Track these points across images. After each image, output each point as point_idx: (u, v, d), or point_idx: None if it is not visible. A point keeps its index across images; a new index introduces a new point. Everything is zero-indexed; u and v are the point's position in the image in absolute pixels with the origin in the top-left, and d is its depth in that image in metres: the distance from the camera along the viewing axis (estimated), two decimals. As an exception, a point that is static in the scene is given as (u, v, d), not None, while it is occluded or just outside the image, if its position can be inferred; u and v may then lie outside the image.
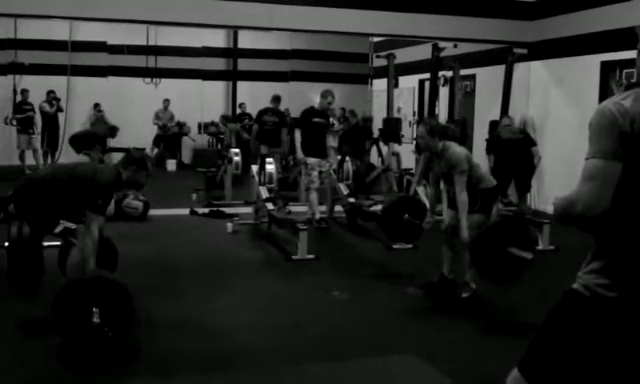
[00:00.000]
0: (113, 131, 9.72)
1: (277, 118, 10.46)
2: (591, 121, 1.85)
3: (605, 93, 8.80)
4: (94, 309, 3.91)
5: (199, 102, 17.08)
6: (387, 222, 6.20)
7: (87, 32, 15.54)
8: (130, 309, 4.09)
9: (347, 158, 9.29)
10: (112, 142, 15.70)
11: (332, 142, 15.26)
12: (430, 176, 5.61)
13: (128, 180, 4.57)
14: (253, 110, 16.87)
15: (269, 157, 8.65)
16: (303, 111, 8.88)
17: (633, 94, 1.85)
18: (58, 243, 5.46)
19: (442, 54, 10.35)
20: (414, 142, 11.42)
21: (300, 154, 8.32)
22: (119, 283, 4.13)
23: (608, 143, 1.80)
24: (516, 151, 8.80)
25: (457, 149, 5.14)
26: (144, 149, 5.89)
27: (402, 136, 11.36)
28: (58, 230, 4.65)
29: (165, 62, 16.84)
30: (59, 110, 14.06)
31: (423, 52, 11.63)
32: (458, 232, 5.11)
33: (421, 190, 8.62)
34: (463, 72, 10.99)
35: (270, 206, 7.64)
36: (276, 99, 10.80)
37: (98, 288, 4.03)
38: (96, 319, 3.89)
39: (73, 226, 4.60)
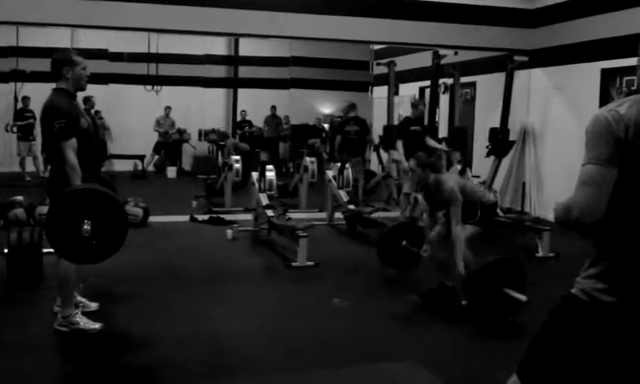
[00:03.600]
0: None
1: (359, 127, 10.39)
2: (587, 128, 1.87)
3: (605, 100, 8.82)
4: (86, 220, 3.88)
5: (200, 110, 17.12)
6: (384, 249, 6.20)
7: (88, 39, 15.57)
8: (122, 221, 4.06)
9: (347, 165, 9.30)
10: (113, 148, 15.81)
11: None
12: (427, 207, 5.66)
13: (73, 83, 4.41)
14: (253, 116, 16.99)
15: (269, 164, 8.67)
16: (401, 121, 9.43)
17: (629, 100, 1.87)
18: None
19: (443, 62, 10.37)
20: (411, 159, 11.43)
21: (405, 162, 8.52)
22: (111, 195, 4.08)
23: (603, 149, 1.81)
24: None
25: (448, 183, 5.20)
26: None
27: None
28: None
29: (166, 69, 16.88)
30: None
31: (423, 59, 11.66)
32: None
33: (421, 197, 8.61)
34: (463, 79, 11.01)
35: (269, 212, 7.64)
36: (352, 107, 10.70)
37: (90, 199, 3.99)
38: (86, 226, 3.86)
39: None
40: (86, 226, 3.84)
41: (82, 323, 4.46)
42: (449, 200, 5.13)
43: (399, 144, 9.04)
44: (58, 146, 4.20)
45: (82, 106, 4.86)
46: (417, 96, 12.73)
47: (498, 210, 6.98)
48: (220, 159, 12.59)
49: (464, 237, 5.12)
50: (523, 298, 4.74)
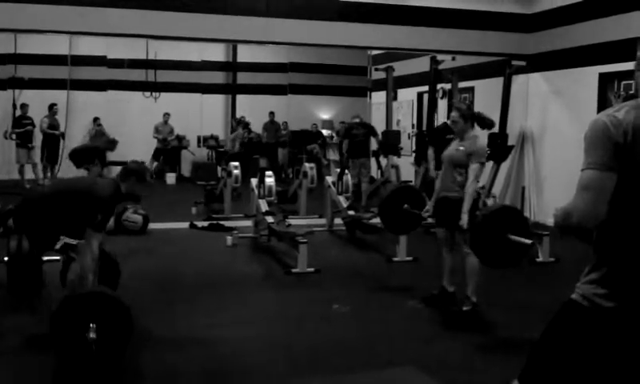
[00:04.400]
0: (112, 145, 9.73)
1: (365, 130, 11.05)
2: (586, 133, 1.88)
3: (603, 104, 8.83)
4: (91, 324, 3.88)
5: (199, 116, 17.13)
6: (386, 213, 6.16)
7: (87, 46, 15.60)
8: (128, 326, 4.04)
9: (346, 171, 9.31)
10: (112, 156, 15.79)
11: (333, 155, 15.35)
12: (444, 162, 5.54)
13: (127, 192, 4.57)
14: (252, 122, 16.97)
15: (269, 170, 8.67)
16: (437, 127, 9.28)
17: (627, 105, 1.88)
18: (58, 258, 5.46)
19: (441, 67, 10.39)
20: (414, 154, 11.46)
21: (433, 170, 8.53)
22: (118, 299, 4.10)
23: (602, 154, 1.82)
24: None
25: (482, 143, 5.25)
26: (143, 162, 5.84)
27: (401, 149, 11.37)
28: (58, 245, 4.63)
29: (164, 75, 16.90)
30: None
31: (422, 65, 11.68)
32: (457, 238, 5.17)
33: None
34: (462, 84, 11.02)
35: (269, 218, 7.64)
36: (357, 116, 11.49)
37: (96, 303, 4.00)
38: (92, 335, 3.86)
39: (73, 241, 4.57)
40: (91, 334, 3.85)
41: None
42: (478, 154, 5.09)
43: (430, 151, 8.87)
44: (86, 232, 4.30)
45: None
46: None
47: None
48: (219, 169, 12.59)
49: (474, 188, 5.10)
50: (528, 241, 4.72)
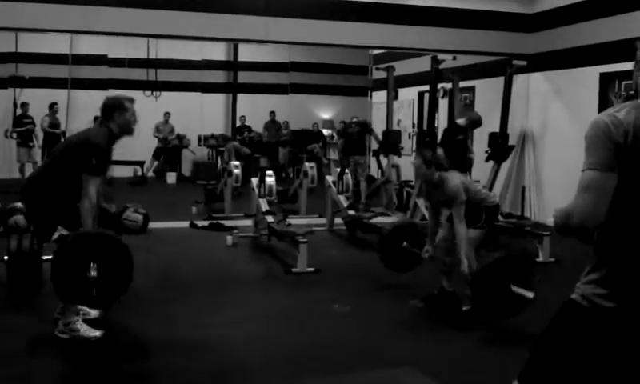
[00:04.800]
0: None
1: (360, 128, 11.38)
2: (586, 133, 1.88)
3: (604, 104, 8.83)
4: (92, 263, 3.87)
5: (199, 115, 17.13)
6: (385, 251, 6.18)
7: (88, 45, 15.62)
8: (128, 266, 4.08)
9: (347, 170, 9.30)
10: (113, 155, 15.78)
11: (333, 154, 15.36)
12: (429, 205, 5.64)
13: (120, 127, 4.53)
14: (253, 122, 16.99)
15: (269, 169, 8.67)
16: (446, 128, 9.27)
17: (628, 105, 1.88)
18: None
19: (442, 66, 10.38)
20: (414, 153, 11.46)
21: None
22: (118, 240, 4.09)
23: (603, 155, 1.82)
24: None
25: (453, 180, 5.16)
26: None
27: (402, 148, 11.38)
28: (55, 236, 4.64)
29: (165, 75, 16.89)
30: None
31: (422, 64, 11.68)
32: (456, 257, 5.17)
33: (421, 202, 8.61)
34: (462, 84, 11.02)
35: (269, 218, 7.64)
36: (357, 117, 11.96)
37: (96, 244, 3.99)
38: (93, 273, 3.85)
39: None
40: (92, 272, 3.85)
41: (82, 330, 4.45)
42: (453, 198, 5.08)
43: (440, 152, 8.84)
44: (80, 175, 4.26)
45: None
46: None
47: (499, 215, 6.94)
48: (220, 163, 12.59)
49: (469, 239, 5.09)
50: (530, 295, 4.70)
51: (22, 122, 13.54)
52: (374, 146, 11.84)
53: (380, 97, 13.59)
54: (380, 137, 11.88)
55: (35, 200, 4.48)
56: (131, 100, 4.67)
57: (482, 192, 5.47)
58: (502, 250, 5.32)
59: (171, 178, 15.62)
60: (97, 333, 4.48)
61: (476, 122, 8.57)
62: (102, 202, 4.61)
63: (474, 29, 10.06)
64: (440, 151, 8.65)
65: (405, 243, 6.00)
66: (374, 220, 8.67)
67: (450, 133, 8.74)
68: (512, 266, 4.85)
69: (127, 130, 4.63)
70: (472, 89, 12.02)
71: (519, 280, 4.77)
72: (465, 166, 8.60)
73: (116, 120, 4.53)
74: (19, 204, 8.30)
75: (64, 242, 4.02)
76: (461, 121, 8.69)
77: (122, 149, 10.45)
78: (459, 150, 8.57)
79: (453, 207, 5.11)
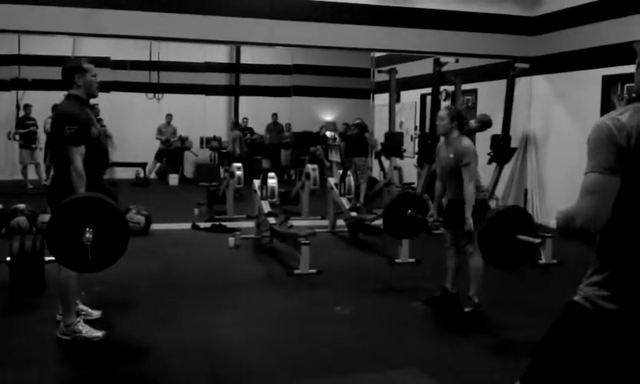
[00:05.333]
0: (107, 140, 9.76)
1: (359, 130, 11.43)
2: (589, 136, 1.88)
3: (606, 107, 8.82)
4: (87, 229, 3.86)
5: (202, 117, 17.15)
6: (390, 219, 6.17)
7: (90, 48, 15.61)
8: (123, 231, 4.04)
9: (349, 173, 9.31)
10: (114, 156, 15.83)
11: (335, 156, 15.38)
12: (437, 169, 5.59)
13: (85, 90, 4.42)
14: (255, 124, 17.00)
15: (271, 171, 8.68)
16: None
17: (631, 108, 1.88)
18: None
19: (444, 69, 10.38)
20: (416, 156, 11.46)
21: None
22: (112, 204, 4.07)
23: (605, 158, 1.82)
24: None
25: (467, 141, 5.21)
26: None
27: (404, 150, 11.37)
28: None
29: (168, 77, 16.92)
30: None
31: (425, 67, 11.68)
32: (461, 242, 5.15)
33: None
34: (465, 87, 11.01)
35: (271, 220, 7.64)
36: (359, 118, 11.95)
37: (91, 208, 3.97)
38: (88, 235, 3.85)
39: None
40: (87, 235, 3.84)
41: (84, 331, 4.46)
42: (462, 156, 5.08)
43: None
44: (66, 152, 4.22)
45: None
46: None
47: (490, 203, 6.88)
48: (222, 169, 12.62)
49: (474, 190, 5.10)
50: (537, 240, 4.72)
51: (24, 124, 13.57)
52: (379, 147, 11.84)
53: (382, 99, 13.58)
54: (376, 141, 11.91)
55: (55, 195, 4.41)
56: (87, 62, 4.52)
57: (480, 182, 5.43)
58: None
59: (173, 179, 15.63)
60: (99, 333, 4.49)
61: (487, 124, 8.66)
62: (102, 181, 4.57)
63: (477, 31, 10.05)
64: None
65: (409, 211, 6.00)
66: (376, 222, 8.67)
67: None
68: (515, 216, 4.85)
69: (92, 90, 4.50)
70: (474, 91, 12.01)
71: (523, 229, 4.76)
72: None
73: (77, 83, 4.42)
74: (22, 205, 8.34)
75: (59, 207, 3.98)
76: (470, 123, 8.72)
77: (125, 151, 10.38)
78: None
79: (462, 166, 5.09)
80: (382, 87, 13.82)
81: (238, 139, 12.95)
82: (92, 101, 4.71)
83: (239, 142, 13.18)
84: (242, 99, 17.73)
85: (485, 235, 4.71)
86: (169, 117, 16.13)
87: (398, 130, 12.12)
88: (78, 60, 4.61)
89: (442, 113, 5.35)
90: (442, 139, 5.38)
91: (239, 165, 10.39)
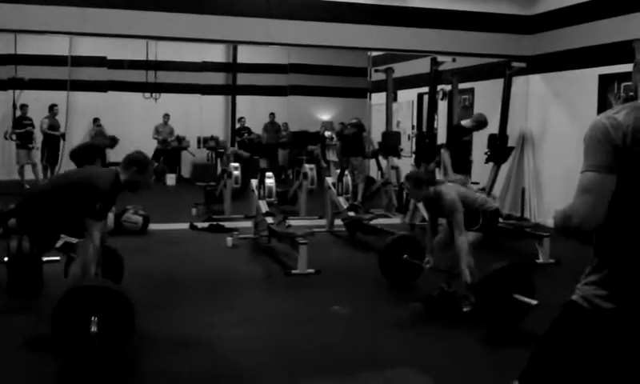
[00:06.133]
0: (113, 142, 9.74)
1: (356, 129, 11.41)
2: (585, 135, 1.89)
3: (603, 106, 8.84)
4: (93, 317, 3.87)
5: (199, 117, 17.14)
6: (386, 263, 6.19)
7: (87, 47, 15.62)
8: (130, 319, 4.06)
9: (346, 172, 9.31)
10: (112, 156, 15.81)
11: (332, 156, 15.40)
12: (427, 218, 5.70)
13: (126, 182, 4.45)
14: (252, 123, 16.99)
15: (269, 171, 8.68)
16: (451, 130, 9.28)
17: (627, 107, 1.88)
18: (58, 258, 5.48)
19: (441, 68, 10.40)
20: (414, 155, 11.47)
21: (452, 174, 8.55)
22: (119, 292, 4.10)
23: (602, 157, 1.83)
24: None
25: (449, 194, 5.23)
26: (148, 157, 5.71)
27: (401, 150, 11.38)
28: (59, 244, 4.62)
29: (164, 76, 16.91)
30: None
31: (422, 66, 11.69)
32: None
33: (421, 205, 8.59)
34: (462, 86, 11.02)
35: (269, 219, 7.65)
36: (356, 118, 11.90)
37: (98, 296, 3.99)
38: (94, 328, 3.85)
39: (74, 240, 4.57)
40: (93, 328, 3.85)
41: None
42: (450, 211, 5.17)
43: (446, 155, 8.85)
44: (86, 222, 4.27)
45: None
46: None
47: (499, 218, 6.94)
48: (219, 167, 12.61)
49: (467, 242, 5.14)
50: (534, 302, 4.78)
51: (21, 124, 13.54)
52: (376, 146, 11.85)
53: (379, 98, 13.60)
54: (373, 141, 11.93)
55: (31, 225, 4.48)
56: (152, 163, 4.63)
57: (479, 199, 5.53)
58: (504, 259, 5.35)
59: (171, 179, 15.62)
60: None
61: (482, 123, 8.63)
62: (105, 241, 4.63)
63: (474, 31, 10.07)
64: (446, 154, 8.70)
65: (405, 255, 6.03)
66: (374, 221, 8.68)
67: (456, 134, 8.78)
68: (513, 274, 4.91)
69: (135, 188, 4.53)
70: (471, 90, 12.03)
71: (521, 288, 4.84)
72: (467, 167, 8.64)
73: (130, 173, 4.43)
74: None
75: (64, 296, 3.97)
76: (466, 122, 8.73)
77: (122, 150, 10.48)
78: (464, 152, 8.63)
79: (452, 219, 5.19)
80: (378, 86, 13.84)
81: (232, 155, 12.90)
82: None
83: (233, 156, 13.13)
84: (239, 98, 17.72)
85: (481, 293, 4.78)
86: (166, 116, 16.12)
87: (395, 129, 12.13)
88: (147, 159, 4.65)
89: (408, 186, 5.46)
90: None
91: (237, 165, 10.38)
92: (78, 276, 4.40)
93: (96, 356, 3.97)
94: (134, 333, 4.11)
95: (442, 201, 5.23)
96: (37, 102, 14.00)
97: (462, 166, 8.62)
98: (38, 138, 13.69)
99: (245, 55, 17.51)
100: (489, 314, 4.87)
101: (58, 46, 15.20)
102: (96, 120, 15.24)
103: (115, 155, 15.69)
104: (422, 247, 5.98)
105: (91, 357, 3.97)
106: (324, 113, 18.52)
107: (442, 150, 9.00)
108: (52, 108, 13.86)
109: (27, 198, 4.92)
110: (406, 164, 11.92)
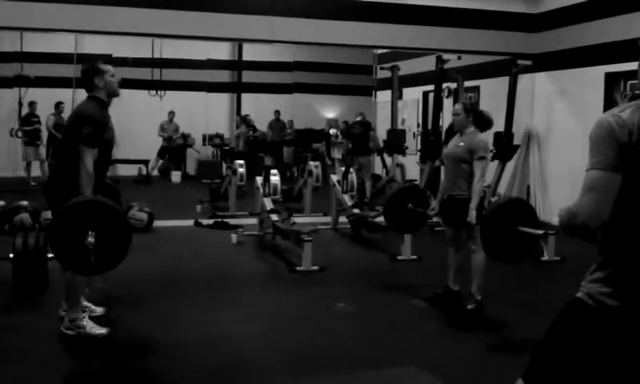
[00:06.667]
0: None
1: (362, 128, 11.38)
2: (591, 133, 1.88)
3: (609, 104, 8.80)
4: (90, 231, 3.87)
5: (204, 114, 17.16)
6: (391, 213, 6.16)
7: (92, 45, 15.62)
8: (125, 234, 4.05)
9: (351, 170, 9.31)
10: (117, 153, 15.84)
11: (337, 153, 15.40)
12: (445, 161, 5.58)
13: (106, 91, 4.45)
14: (257, 121, 16.98)
15: (274, 168, 8.68)
16: (450, 126, 9.24)
17: (633, 105, 1.88)
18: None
19: (446, 66, 10.38)
20: (419, 152, 11.46)
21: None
22: (114, 207, 4.08)
23: (607, 155, 1.82)
24: None
25: (482, 136, 5.22)
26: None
27: (407, 148, 11.38)
28: None
29: (170, 74, 16.93)
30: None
31: (427, 64, 11.67)
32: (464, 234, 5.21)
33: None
34: (467, 84, 11.01)
35: (274, 217, 7.65)
36: (360, 114, 11.92)
37: (94, 211, 3.98)
38: (90, 239, 3.86)
39: None
40: (90, 239, 3.85)
41: (88, 327, 4.47)
42: (476, 150, 5.07)
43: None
44: (78, 151, 4.21)
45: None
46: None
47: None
48: (224, 164, 12.65)
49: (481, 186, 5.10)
50: (539, 231, 4.72)
51: (29, 122, 13.57)
52: (381, 144, 11.84)
53: (384, 96, 13.58)
54: (378, 139, 11.89)
55: (56, 191, 4.42)
56: (105, 62, 4.55)
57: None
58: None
59: (176, 176, 15.64)
60: (103, 330, 4.50)
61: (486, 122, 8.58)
62: (105, 179, 4.59)
63: (479, 29, 10.04)
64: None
65: (410, 205, 6.00)
66: (379, 219, 8.67)
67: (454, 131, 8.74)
68: (516, 209, 4.84)
69: (112, 90, 4.54)
70: (477, 88, 12.00)
71: (525, 221, 4.75)
72: None
73: (98, 85, 4.45)
74: (24, 202, 8.35)
75: (61, 210, 3.98)
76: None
77: (127, 148, 10.42)
78: None
79: (476, 160, 5.08)
80: (384, 84, 13.83)
81: (242, 136, 12.92)
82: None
83: (243, 139, 13.13)
84: (244, 96, 17.74)
85: (486, 227, 4.71)
86: (171, 114, 16.14)
87: (400, 127, 12.12)
88: (95, 62, 4.59)
89: (458, 107, 5.34)
90: (457, 135, 5.37)
91: (242, 162, 10.40)
92: (70, 279, 4.41)
93: (94, 268, 3.97)
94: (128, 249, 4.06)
95: (473, 137, 5.13)
96: (43, 100, 14.03)
97: None
98: (44, 134, 13.73)
99: (250, 53, 17.52)
100: (495, 249, 4.75)
101: (63, 44, 15.23)
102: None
103: (120, 153, 15.76)
104: (427, 197, 5.95)
105: (89, 269, 3.97)
106: (329, 110, 18.52)
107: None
108: (58, 105, 13.89)
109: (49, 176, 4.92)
110: (411, 162, 11.93)
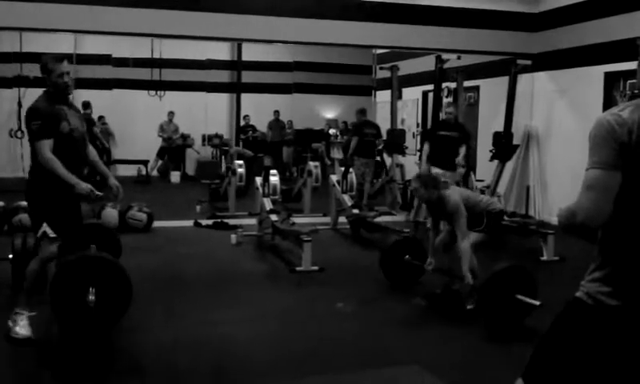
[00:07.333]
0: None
1: (375, 130, 10.97)
2: (590, 132, 1.88)
3: (609, 104, 8.81)
4: (91, 288, 3.87)
5: (203, 115, 17.16)
6: (387, 264, 6.17)
7: (92, 45, 15.64)
8: (127, 290, 4.07)
9: (351, 170, 9.30)
10: (116, 154, 15.85)
11: (336, 153, 15.39)
12: (430, 220, 5.68)
13: (55, 84, 4.35)
14: (257, 121, 17.02)
15: (273, 168, 8.68)
16: (433, 124, 9.30)
17: (632, 104, 1.88)
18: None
19: (446, 66, 10.37)
20: (418, 153, 11.45)
21: (425, 166, 8.52)
22: (117, 264, 4.09)
23: (607, 154, 1.82)
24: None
25: (452, 197, 5.23)
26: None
27: (406, 148, 11.37)
28: (39, 233, 4.61)
29: (169, 74, 16.93)
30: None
31: (427, 63, 11.67)
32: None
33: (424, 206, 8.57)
34: (467, 83, 11.01)
35: (273, 217, 7.65)
36: (364, 112, 11.33)
37: (96, 267, 3.99)
38: (91, 297, 3.85)
39: (51, 233, 4.57)
40: (91, 297, 3.85)
41: (18, 325, 4.35)
42: (453, 214, 5.17)
43: (426, 147, 8.74)
44: (34, 147, 4.19)
45: (81, 111, 4.87)
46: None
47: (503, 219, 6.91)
48: (223, 164, 12.63)
49: (469, 245, 5.14)
50: (536, 302, 4.77)
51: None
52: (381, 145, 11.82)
53: (384, 96, 13.57)
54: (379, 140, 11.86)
55: (32, 190, 4.41)
56: (59, 58, 4.44)
57: (483, 201, 5.54)
58: (508, 257, 5.35)
59: (175, 177, 15.65)
60: (27, 334, 4.35)
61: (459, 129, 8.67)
62: (90, 159, 4.56)
63: (479, 28, 10.04)
64: (426, 146, 8.66)
65: (407, 256, 6.02)
66: (378, 219, 8.68)
67: (435, 128, 8.96)
68: (515, 275, 4.90)
69: (58, 90, 4.40)
70: (476, 88, 12.00)
71: (523, 288, 4.83)
72: (450, 163, 8.42)
73: (50, 79, 4.39)
74: (23, 203, 8.34)
75: (63, 265, 3.98)
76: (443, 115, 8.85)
77: (127, 148, 10.41)
78: (442, 147, 8.50)
79: (455, 222, 5.17)
80: (383, 84, 13.82)
81: (235, 154, 12.91)
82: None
83: (236, 155, 13.13)
84: (244, 96, 17.73)
85: (484, 293, 4.78)
86: (171, 114, 16.14)
87: (399, 127, 12.12)
88: (46, 58, 4.50)
89: (414, 185, 5.38)
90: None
91: (241, 162, 10.39)
92: (34, 271, 4.42)
93: (94, 324, 3.97)
94: (131, 302, 4.08)
95: (445, 204, 5.22)
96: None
97: (442, 161, 8.42)
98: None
99: (249, 53, 17.51)
100: (491, 315, 4.85)
101: (63, 44, 15.19)
102: (101, 118, 15.27)
103: (120, 153, 15.73)
104: (424, 248, 5.95)
105: (89, 326, 3.98)
106: (328, 110, 18.53)
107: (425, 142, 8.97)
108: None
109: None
110: (410, 162, 11.93)
